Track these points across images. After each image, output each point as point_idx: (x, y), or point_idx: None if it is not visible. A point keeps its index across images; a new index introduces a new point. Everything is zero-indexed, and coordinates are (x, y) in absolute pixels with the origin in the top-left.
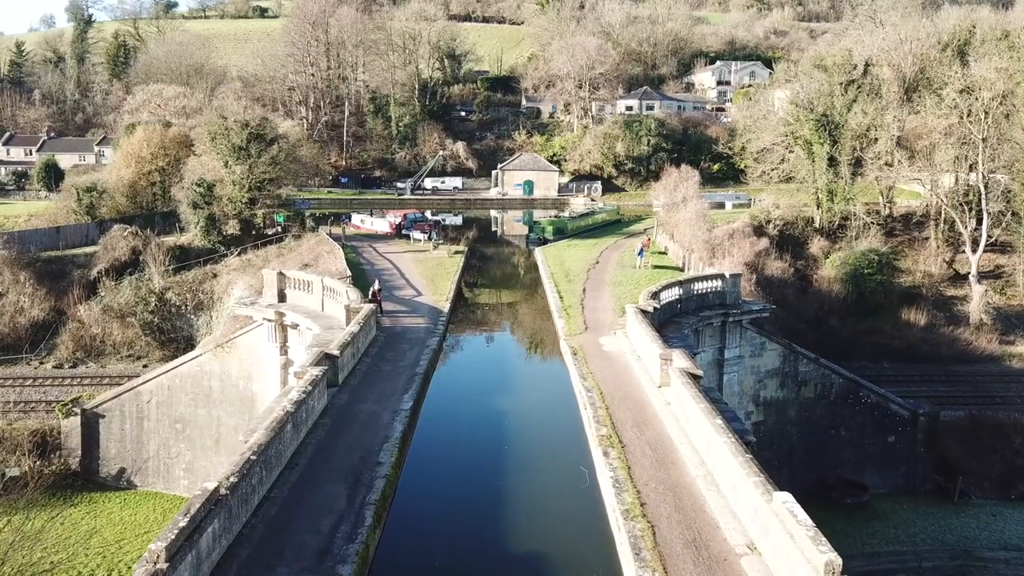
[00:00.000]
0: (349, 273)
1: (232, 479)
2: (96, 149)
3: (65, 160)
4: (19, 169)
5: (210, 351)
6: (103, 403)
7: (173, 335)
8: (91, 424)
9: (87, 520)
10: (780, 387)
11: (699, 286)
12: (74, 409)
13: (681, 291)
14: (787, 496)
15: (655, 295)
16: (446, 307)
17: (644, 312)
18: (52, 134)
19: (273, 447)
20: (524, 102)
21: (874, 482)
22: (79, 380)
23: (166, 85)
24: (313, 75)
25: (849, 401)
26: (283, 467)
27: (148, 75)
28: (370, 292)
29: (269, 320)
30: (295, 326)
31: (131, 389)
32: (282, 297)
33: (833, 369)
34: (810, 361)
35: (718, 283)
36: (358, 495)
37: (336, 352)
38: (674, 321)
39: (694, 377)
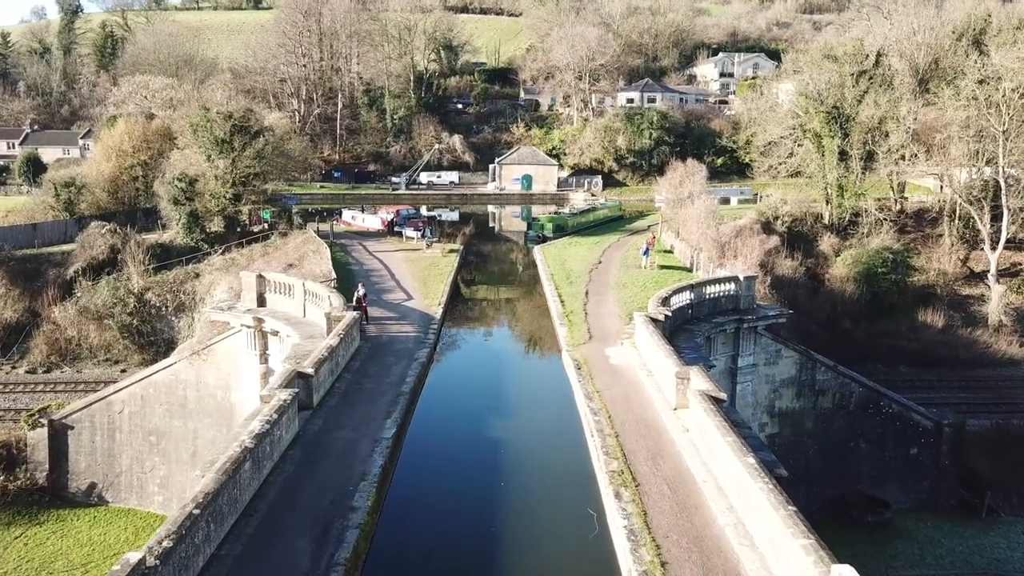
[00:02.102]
0: (334, 275)
1: (166, 543)
2: (81, 142)
3: (48, 154)
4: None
5: (185, 359)
6: (72, 413)
7: (153, 338)
8: (59, 436)
9: (53, 540)
10: (796, 397)
11: (711, 290)
12: (41, 420)
13: (692, 295)
14: (848, 571)
15: (665, 301)
16: (438, 313)
17: (654, 320)
18: (36, 127)
19: (225, 493)
20: (522, 94)
21: (895, 497)
22: (53, 386)
23: (153, 76)
24: (305, 66)
25: (869, 411)
26: (239, 514)
27: (136, 66)
28: (355, 298)
29: (248, 326)
30: (275, 333)
31: (102, 399)
32: (261, 301)
33: (852, 377)
34: (828, 369)
35: (731, 286)
36: (325, 551)
37: (310, 370)
38: (685, 328)
39: (716, 401)
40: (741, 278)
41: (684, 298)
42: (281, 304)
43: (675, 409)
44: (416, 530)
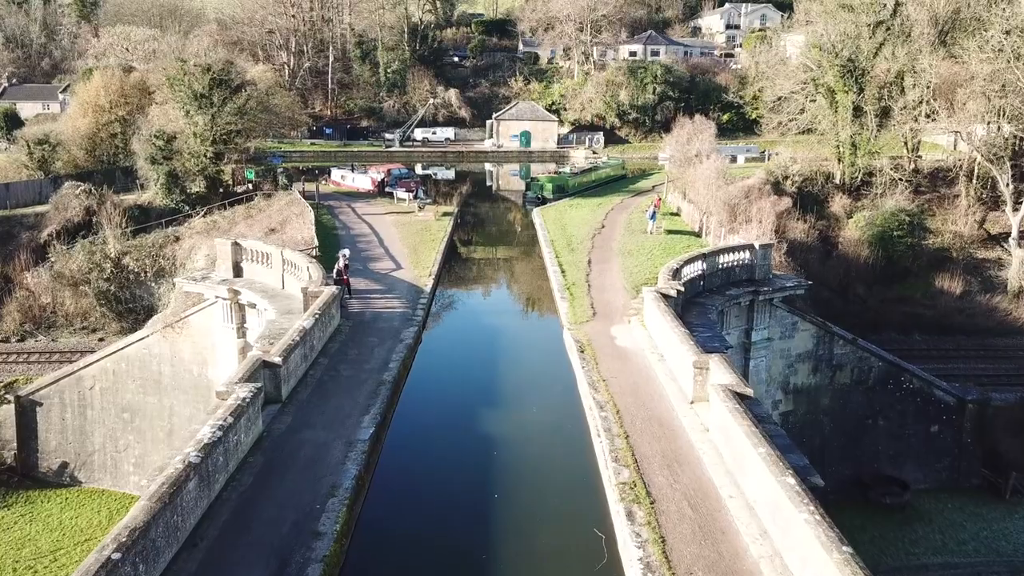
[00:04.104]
0: (316, 242)
1: None
2: (61, 97)
3: (28, 109)
4: None
5: (159, 332)
6: (40, 389)
7: (132, 305)
8: (27, 413)
9: (21, 524)
10: (812, 372)
11: (725, 259)
12: (7, 396)
13: (705, 265)
14: None
15: (676, 273)
16: (428, 284)
17: (665, 297)
18: (14, 81)
19: (161, 524)
20: (521, 47)
21: (914, 476)
22: (26, 356)
23: (136, 27)
24: (295, 17)
25: (889, 387)
26: (181, 545)
27: (118, 16)
28: (335, 269)
29: (223, 298)
30: (253, 306)
31: (71, 374)
32: (238, 271)
33: (872, 351)
34: (847, 343)
35: (746, 255)
36: None
37: (278, 360)
38: (697, 302)
39: (741, 398)
40: (756, 246)
41: (696, 269)
42: (259, 274)
43: (692, 403)
44: (393, 558)
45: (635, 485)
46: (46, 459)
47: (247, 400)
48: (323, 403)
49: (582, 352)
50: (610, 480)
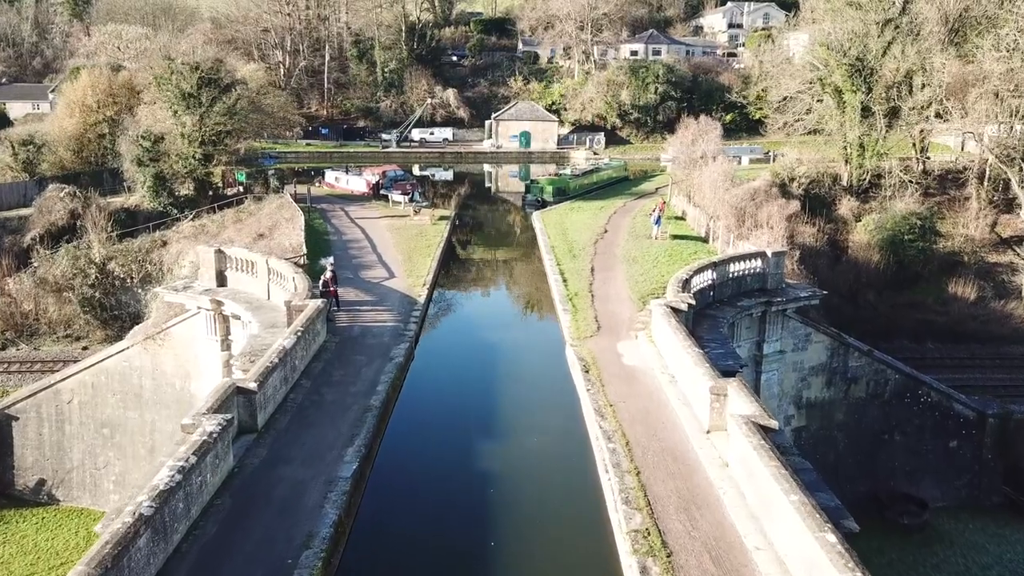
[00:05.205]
0: (304, 249)
1: None
2: (51, 96)
3: (17, 108)
4: None
5: (139, 343)
6: (16, 403)
7: (117, 312)
8: (3, 427)
9: None
10: (826, 386)
11: (736, 268)
12: None
13: (715, 275)
14: None
15: (685, 284)
16: (422, 295)
17: (675, 311)
18: (4, 80)
19: None
20: (520, 46)
21: (932, 494)
22: (6, 365)
23: (128, 26)
24: (290, 15)
25: (906, 400)
26: None
27: (111, 15)
28: (321, 280)
29: (206, 309)
30: (237, 317)
31: (49, 387)
32: (222, 280)
33: (889, 363)
34: (862, 354)
35: (758, 263)
36: None
37: (253, 386)
38: (707, 314)
39: (765, 431)
40: (769, 254)
41: (706, 278)
42: (244, 283)
43: (708, 432)
44: None
45: (648, 533)
46: (22, 476)
47: (214, 435)
48: (303, 433)
49: (587, 372)
50: (620, 526)
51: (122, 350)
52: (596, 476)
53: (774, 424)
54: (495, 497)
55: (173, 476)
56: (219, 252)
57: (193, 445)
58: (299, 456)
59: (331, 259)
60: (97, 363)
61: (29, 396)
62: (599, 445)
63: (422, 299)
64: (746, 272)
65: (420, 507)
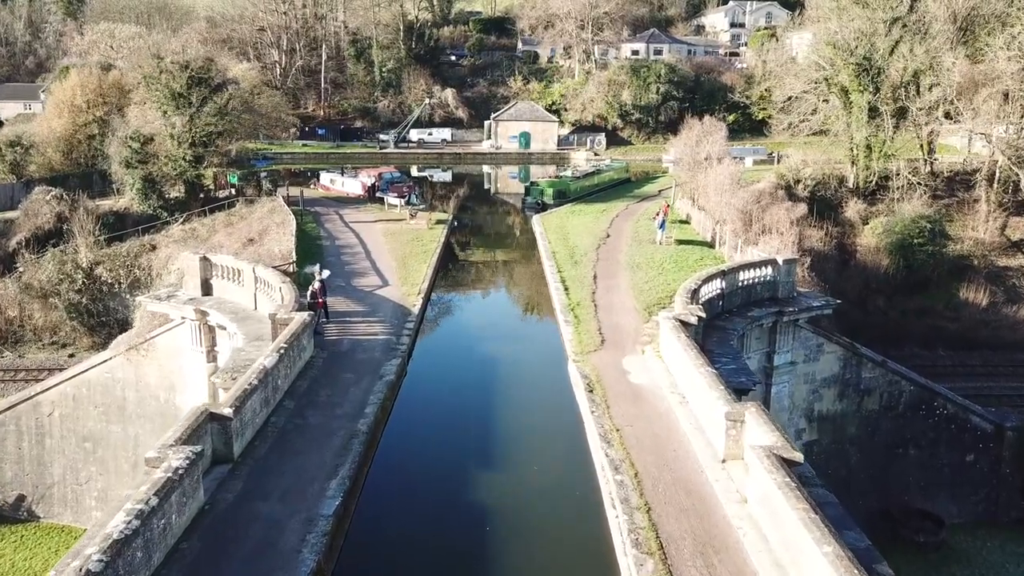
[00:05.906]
0: (294, 256)
1: None
2: (43, 96)
3: (9, 109)
4: None
5: (122, 354)
6: None
7: (105, 318)
8: None
9: None
10: (838, 398)
11: (745, 276)
12: None
13: (724, 284)
14: None
15: (694, 295)
16: (416, 305)
17: (685, 324)
18: None
19: None
20: (520, 45)
21: (948, 510)
22: None
23: (122, 24)
24: (286, 14)
25: (921, 413)
26: None
27: (105, 14)
28: (309, 291)
29: (190, 319)
30: (223, 328)
31: (29, 398)
32: (207, 289)
33: (903, 374)
34: (876, 365)
35: (768, 271)
36: None
37: (228, 411)
38: (716, 326)
39: (789, 464)
40: (780, 261)
41: (715, 287)
42: (230, 292)
43: (724, 461)
44: None
45: None
46: (1, 491)
47: (180, 472)
48: (283, 462)
49: (591, 391)
50: (630, 572)
51: (104, 361)
52: (602, 510)
53: (798, 457)
54: (494, 538)
55: (130, 523)
56: (204, 260)
57: (156, 484)
58: (278, 490)
59: (319, 267)
60: (78, 374)
61: (8, 408)
62: (605, 476)
63: (416, 309)
64: (756, 280)
65: (407, 549)
